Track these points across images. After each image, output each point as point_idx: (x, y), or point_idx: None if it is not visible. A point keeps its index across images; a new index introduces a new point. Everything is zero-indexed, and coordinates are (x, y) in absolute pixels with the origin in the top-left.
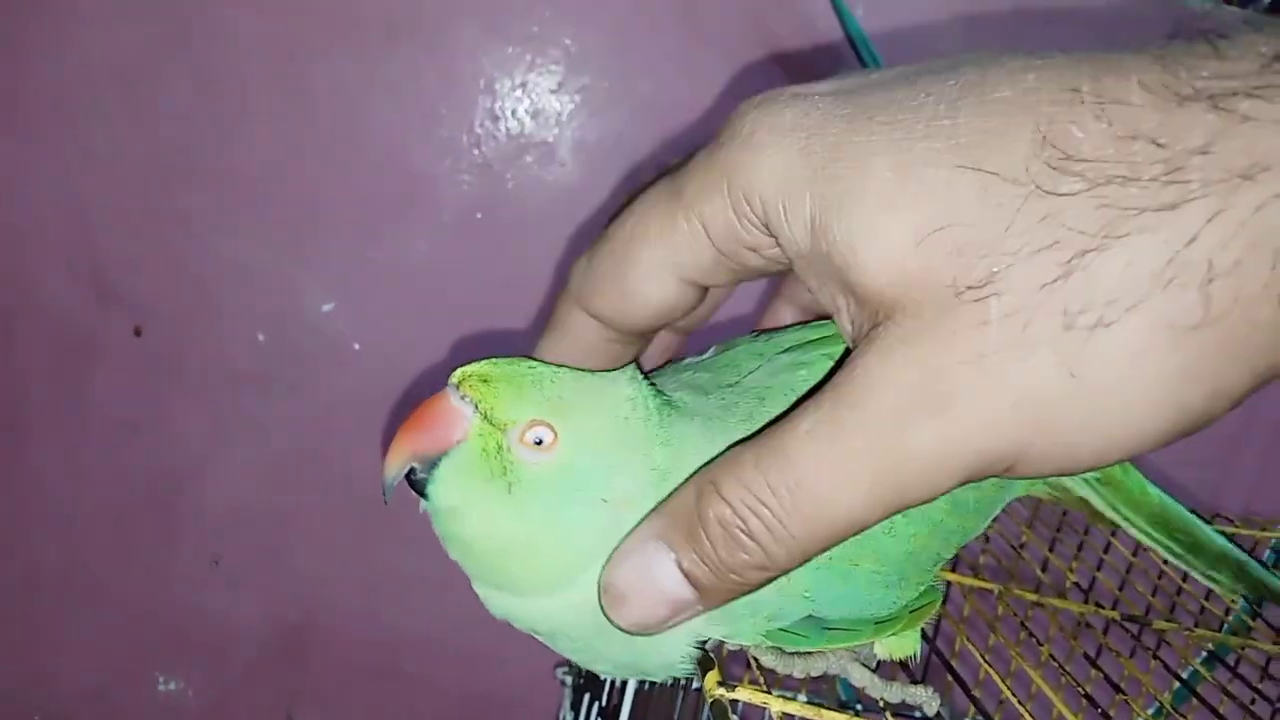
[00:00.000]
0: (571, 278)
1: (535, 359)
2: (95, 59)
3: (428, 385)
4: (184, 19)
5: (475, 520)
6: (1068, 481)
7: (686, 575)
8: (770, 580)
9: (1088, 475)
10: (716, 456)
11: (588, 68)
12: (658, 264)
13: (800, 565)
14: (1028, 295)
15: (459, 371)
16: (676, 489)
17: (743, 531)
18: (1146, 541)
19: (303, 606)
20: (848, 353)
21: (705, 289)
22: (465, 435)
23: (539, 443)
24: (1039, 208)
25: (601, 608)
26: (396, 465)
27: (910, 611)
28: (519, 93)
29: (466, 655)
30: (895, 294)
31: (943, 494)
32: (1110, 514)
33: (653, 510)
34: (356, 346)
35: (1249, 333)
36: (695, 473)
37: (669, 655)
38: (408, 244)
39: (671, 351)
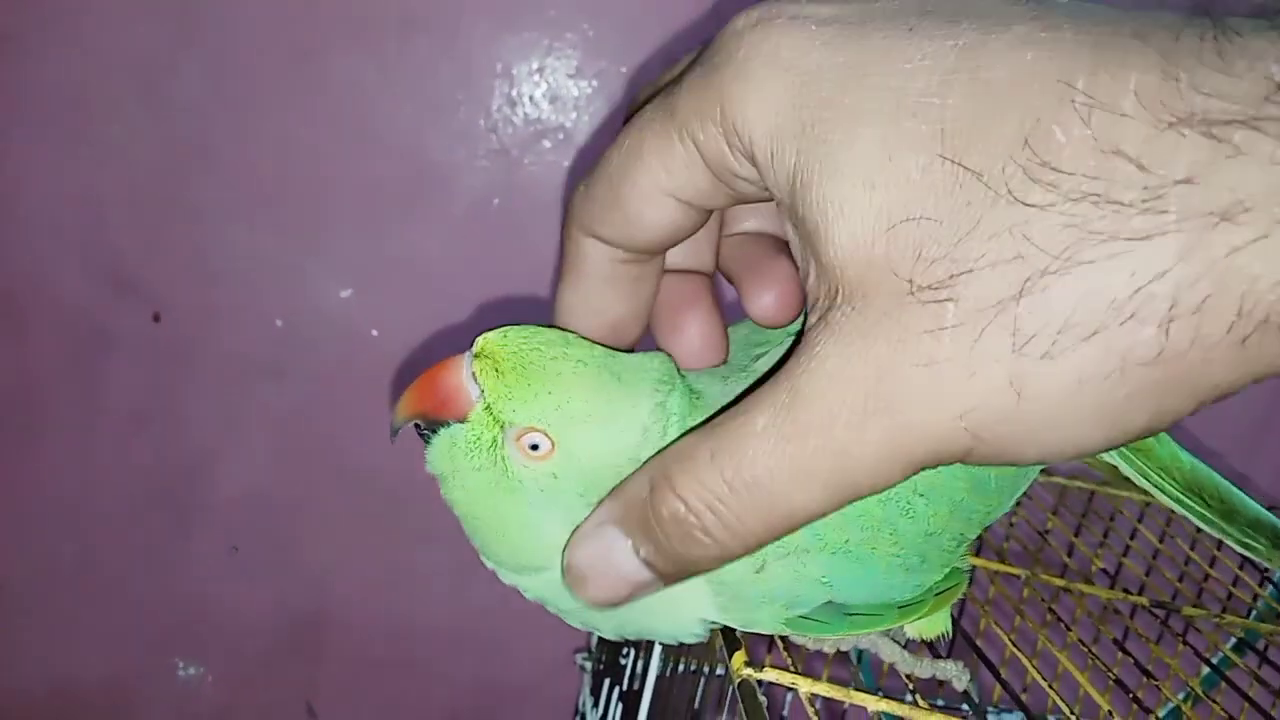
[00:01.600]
0: (572, 205)
1: (567, 339)
2: (110, 53)
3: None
4: (198, 13)
5: (460, 494)
6: None
7: (644, 562)
8: (728, 563)
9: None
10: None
11: (605, 52)
12: (655, 187)
13: (755, 552)
14: (982, 308)
15: (480, 341)
16: (630, 475)
17: (698, 528)
18: (1178, 509)
19: (319, 595)
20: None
21: (709, 213)
22: (465, 416)
23: (534, 448)
24: (1006, 216)
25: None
26: (400, 418)
27: (935, 594)
28: (536, 78)
29: (483, 644)
30: (857, 277)
31: (896, 484)
32: (1140, 481)
33: (610, 493)
34: (374, 333)
35: (1203, 370)
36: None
37: (672, 628)
38: (425, 230)
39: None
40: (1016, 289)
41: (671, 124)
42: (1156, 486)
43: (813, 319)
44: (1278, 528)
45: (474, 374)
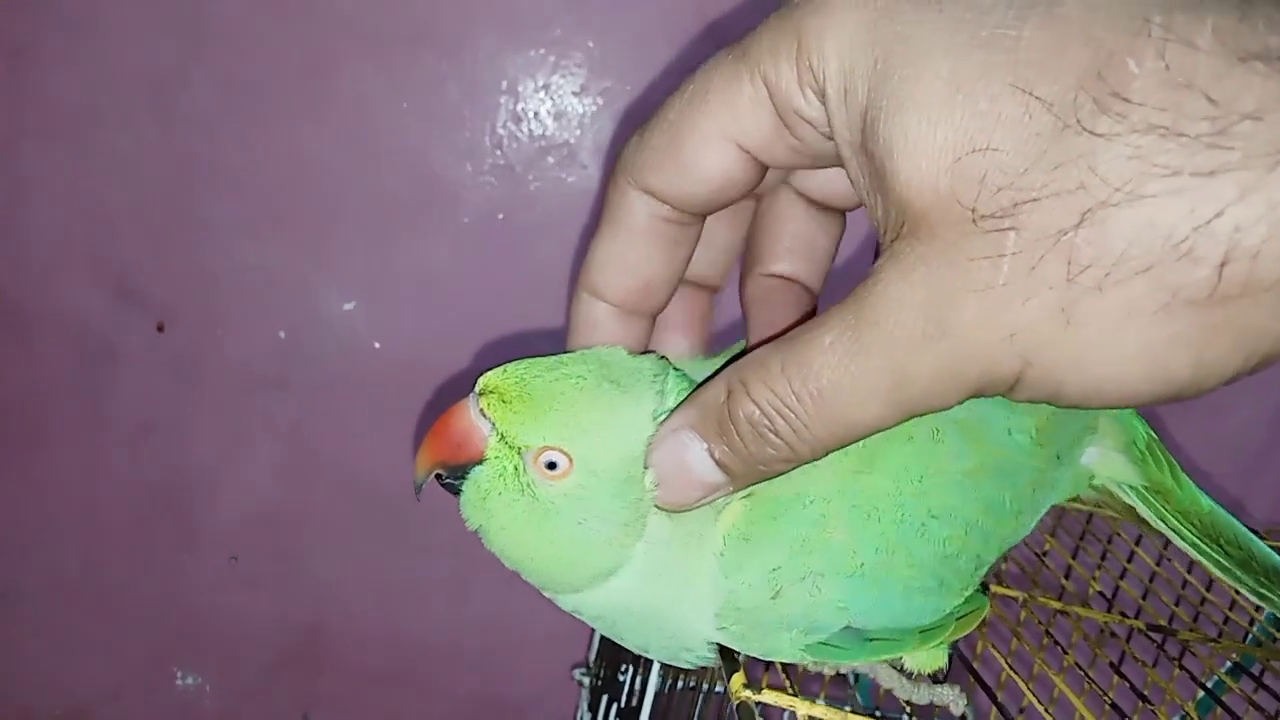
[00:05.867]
0: (623, 155)
1: (562, 361)
2: (120, 66)
3: (449, 388)
4: (208, 28)
5: (502, 537)
6: (1114, 488)
7: (718, 463)
8: (796, 467)
9: (1136, 484)
10: None
11: (610, 70)
12: (717, 129)
13: (824, 456)
14: (1041, 238)
15: (482, 381)
16: (706, 381)
17: (769, 430)
18: (1194, 554)
19: (319, 607)
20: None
21: (763, 170)
22: (482, 453)
23: (553, 466)
24: (1073, 145)
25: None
26: (422, 473)
27: (956, 619)
28: (541, 95)
29: (481, 658)
30: (923, 209)
31: (953, 405)
32: (1158, 524)
33: (685, 400)
34: (377, 345)
35: (1253, 318)
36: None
37: (699, 653)
38: (429, 245)
39: (704, 312)
40: (1076, 219)
41: (743, 64)
42: (1174, 531)
43: (881, 250)
44: None
45: (482, 411)
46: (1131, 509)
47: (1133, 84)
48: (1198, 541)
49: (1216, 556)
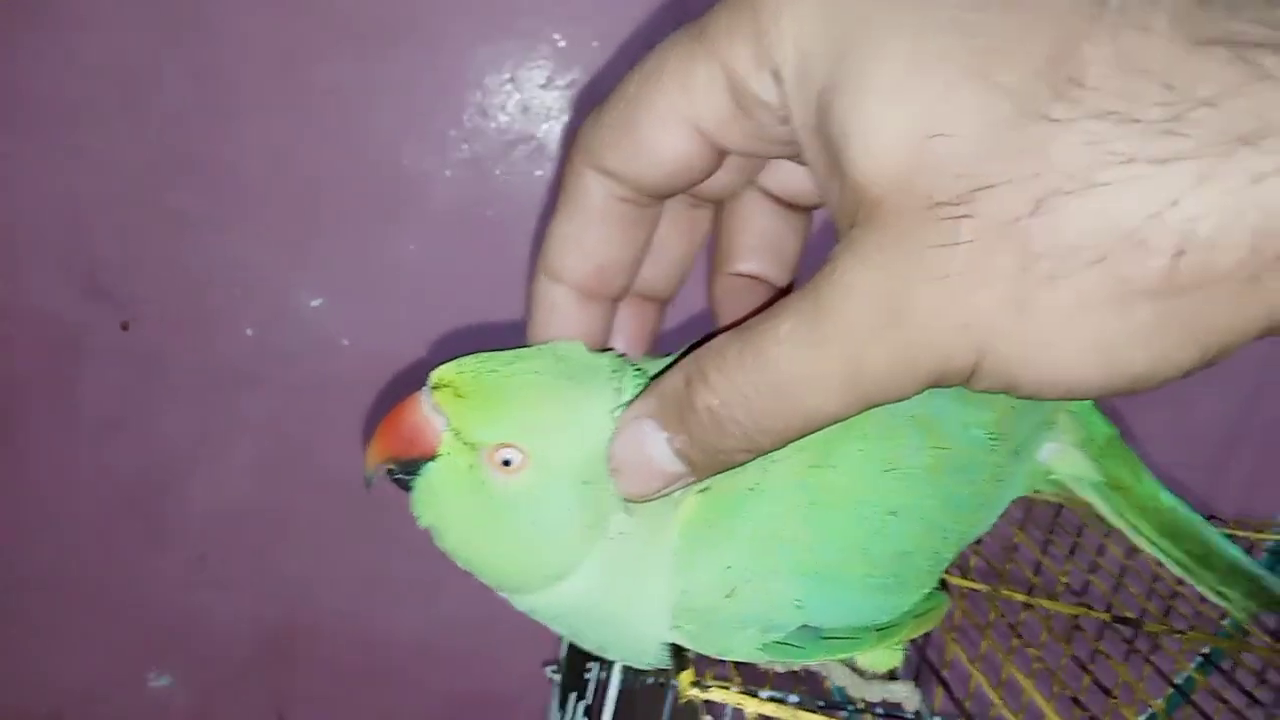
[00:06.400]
0: (579, 135)
1: (519, 355)
2: (92, 59)
3: (415, 383)
4: (180, 20)
5: (454, 536)
6: (1072, 484)
7: (677, 452)
8: (756, 457)
9: (1095, 479)
10: None
11: (577, 63)
12: (673, 110)
13: (784, 446)
14: (995, 226)
15: (435, 374)
16: (665, 369)
17: (729, 419)
18: (1154, 552)
19: (291, 606)
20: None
21: (721, 155)
22: (435, 449)
23: (508, 463)
24: (1029, 132)
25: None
26: (373, 466)
27: (914, 617)
28: (509, 88)
29: (456, 656)
30: (880, 195)
31: (911, 396)
32: (1116, 520)
33: (645, 388)
34: (345, 342)
35: (1208, 310)
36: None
37: (654, 653)
38: (396, 239)
39: (652, 326)
40: (1031, 207)
41: (699, 44)
42: (1132, 527)
43: (839, 237)
44: (1254, 576)
45: (435, 405)
46: (1089, 505)
47: (1088, 69)
48: (1157, 539)
49: (1176, 554)
